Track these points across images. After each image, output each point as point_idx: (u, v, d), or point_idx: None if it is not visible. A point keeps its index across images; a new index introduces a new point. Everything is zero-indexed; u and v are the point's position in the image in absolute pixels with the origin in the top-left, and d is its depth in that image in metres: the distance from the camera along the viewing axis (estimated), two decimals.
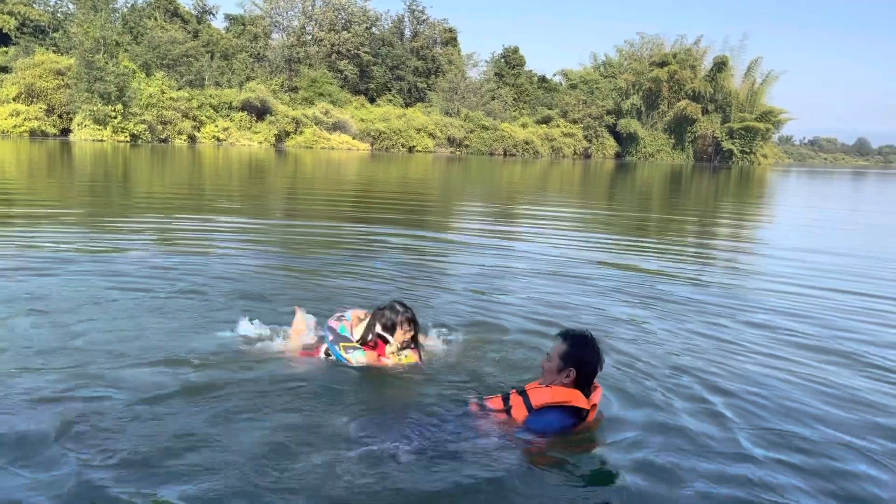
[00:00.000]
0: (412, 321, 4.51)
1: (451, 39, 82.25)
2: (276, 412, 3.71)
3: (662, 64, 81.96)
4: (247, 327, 4.95)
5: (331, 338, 4.55)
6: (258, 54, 69.21)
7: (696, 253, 11.01)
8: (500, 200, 20.14)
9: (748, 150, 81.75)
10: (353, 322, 4.60)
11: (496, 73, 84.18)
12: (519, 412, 3.70)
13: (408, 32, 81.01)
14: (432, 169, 38.47)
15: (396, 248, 9.55)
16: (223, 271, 7.13)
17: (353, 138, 62.12)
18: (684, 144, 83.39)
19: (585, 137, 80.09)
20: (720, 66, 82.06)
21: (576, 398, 3.65)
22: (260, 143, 56.02)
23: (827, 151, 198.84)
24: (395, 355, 4.47)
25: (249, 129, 56.95)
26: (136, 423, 3.50)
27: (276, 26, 73.92)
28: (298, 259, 8.28)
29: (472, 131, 70.56)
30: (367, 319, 4.58)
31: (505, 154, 70.66)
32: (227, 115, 56.52)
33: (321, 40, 71.52)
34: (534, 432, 3.60)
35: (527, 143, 73.16)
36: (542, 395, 3.69)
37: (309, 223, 12.15)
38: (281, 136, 57.93)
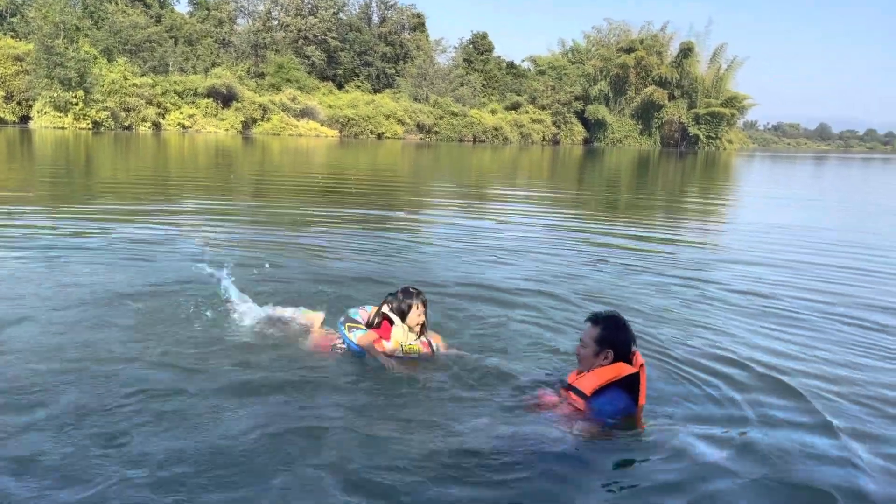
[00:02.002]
0: (425, 303, 4.47)
1: (419, 25, 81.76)
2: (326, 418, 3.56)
3: (629, 50, 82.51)
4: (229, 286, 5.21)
5: (342, 319, 4.65)
6: (223, 40, 68.06)
7: (669, 229, 11.23)
8: (473, 186, 20.20)
9: (714, 136, 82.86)
10: (372, 312, 4.61)
11: (465, 59, 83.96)
12: (577, 403, 3.76)
13: (375, 18, 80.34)
14: (402, 156, 38.37)
15: (369, 235, 9.56)
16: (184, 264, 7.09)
17: (322, 125, 61.57)
18: (651, 130, 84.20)
19: (554, 123, 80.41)
20: (686, 52, 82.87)
21: (621, 370, 3.74)
22: (226, 130, 55.26)
23: (790, 136, 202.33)
24: (399, 343, 4.37)
25: (215, 115, 56.12)
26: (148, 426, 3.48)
27: (241, 11, 72.77)
28: (277, 248, 8.25)
29: (441, 118, 70.39)
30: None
31: (474, 140, 70.67)
32: (193, 102, 55.59)
33: (288, 25, 70.58)
34: (603, 416, 3.65)
35: (496, 129, 73.24)
36: (590, 381, 3.75)
37: (280, 211, 12.09)
38: (248, 123, 57.19)
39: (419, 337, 4.46)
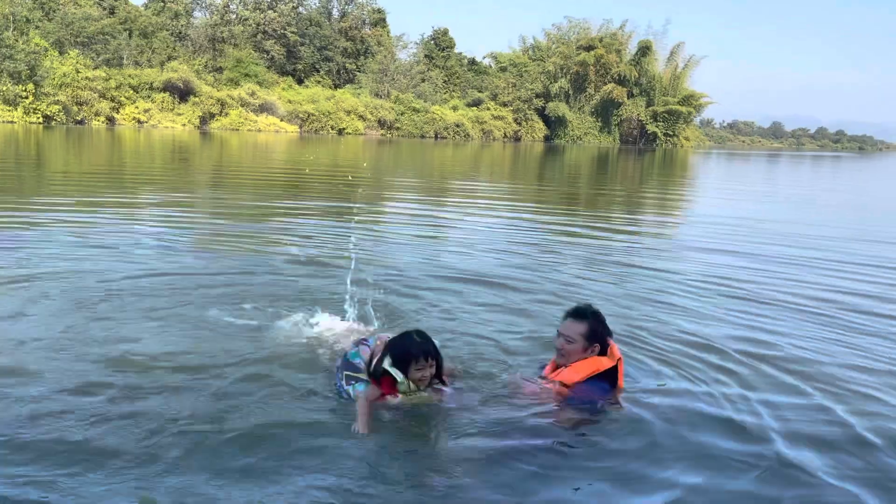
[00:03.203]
0: (430, 355, 3.60)
1: (379, 20, 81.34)
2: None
3: (589, 48, 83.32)
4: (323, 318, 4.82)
5: (338, 363, 3.91)
6: (180, 33, 66.73)
7: (631, 222, 11.39)
8: (439, 182, 20.17)
9: (671, 133, 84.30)
10: (376, 349, 3.77)
11: (426, 55, 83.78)
12: (561, 392, 3.80)
13: (336, 13, 79.68)
14: (363, 151, 38.14)
15: (339, 234, 9.47)
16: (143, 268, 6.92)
17: (281, 120, 60.84)
18: (611, 127, 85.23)
19: (515, 120, 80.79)
20: (644, 50, 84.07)
21: (601, 363, 3.81)
22: (183, 125, 54.26)
23: (745, 134, 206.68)
24: (406, 396, 3.64)
25: (172, 110, 55.05)
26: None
27: (198, 4, 71.39)
28: (234, 251, 8.11)
29: (402, 114, 70.16)
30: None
31: (436, 137, 70.61)
32: (148, 96, 54.46)
33: (246, 19, 69.52)
34: (585, 404, 3.74)
35: (458, 125, 73.28)
36: (572, 374, 3.80)
37: (238, 210, 11.89)
38: (205, 118, 56.22)
39: (430, 384, 3.70)
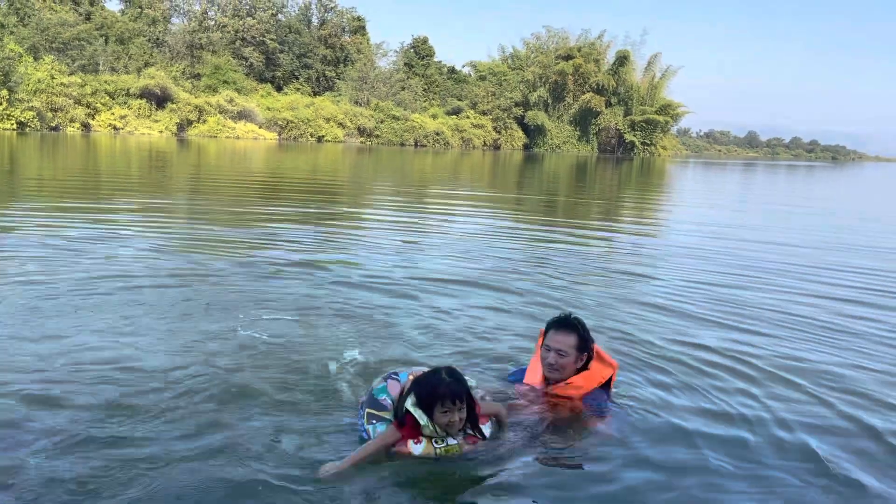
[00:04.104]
0: (458, 398, 3.13)
1: (359, 28, 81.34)
2: None
3: (568, 57, 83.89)
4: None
5: (363, 398, 3.51)
6: (157, 39, 66.22)
7: (611, 230, 11.45)
8: (420, 189, 20.13)
9: (649, 142, 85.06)
10: (406, 385, 3.33)
11: (406, 64, 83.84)
12: (566, 403, 3.78)
13: (315, 20, 79.54)
14: (343, 159, 38.00)
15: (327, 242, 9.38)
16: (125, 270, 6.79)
17: (260, 127, 60.51)
18: (589, 136, 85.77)
19: (495, 129, 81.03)
20: (622, 59, 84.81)
21: (606, 372, 3.82)
22: (160, 132, 53.72)
23: (721, 143, 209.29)
24: (430, 442, 3.17)
25: (149, 117, 54.53)
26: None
27: (175, 10, 70.99)
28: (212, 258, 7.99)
29: (382, 121, 70.11)
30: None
31: (416, 145, 70.60)
32: (125, 103, 53.89)
33: (224, 26, 69.18)
34: (594, 413, 3.74)
35: (437, 133, 73.36)
36: (581, 386, 3.77)
37: (222, 220, 11.75)
38: (183, 125, 55.74)
39: (461, 431, 3.25)
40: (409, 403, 3.15)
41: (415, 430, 3.17)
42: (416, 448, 3.15)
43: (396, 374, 3.53)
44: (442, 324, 5.30)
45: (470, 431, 3.24)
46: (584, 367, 3.84)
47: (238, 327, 4.88)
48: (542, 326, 4.00)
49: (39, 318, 4.90)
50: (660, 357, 4.75)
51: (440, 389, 3.10)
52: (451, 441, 3.18)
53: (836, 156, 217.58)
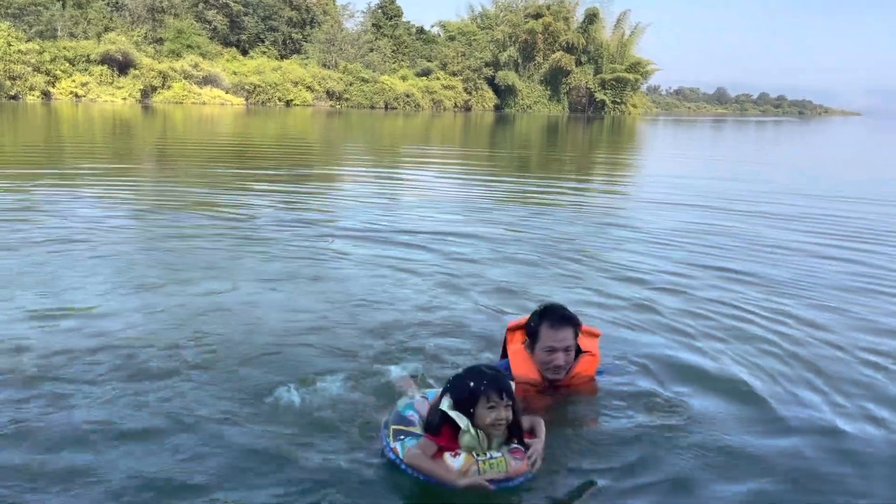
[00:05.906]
0: (504, 391, 2.76)
1: None
2: None
3: (537, 16, 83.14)
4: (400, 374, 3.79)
5: (387, 417, 3.11)
6: (116, 3, 64.17)
7: (583, 181, 11.62)
8: (393, 152, 20.08)
9: (619, 101, 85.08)
10: (435, 402, 2.91)
11: (373, 25, 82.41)
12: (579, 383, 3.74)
13: None
14: (312, 123, 37.59)
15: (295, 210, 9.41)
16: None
17: (227, 93, 59.33)
18: (560, 96, 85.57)
19: (465, 90, 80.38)
20: (591, 17, 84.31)
21: (595, 342, 3.77)
22: (124, 98, 52.48)
23: (690, 100, 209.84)
24: (471, 454, 2.73)
25: (111, 84, 53.17)
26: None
27: None
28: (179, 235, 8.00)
29: (351, 84, 69.17)
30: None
31: (386, 107, 69.91)
32: (86, 70, 52.44)
33: None
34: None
35: (407, 95, 72.63)
36: (587, 368, 3.71)
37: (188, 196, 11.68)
38: (147, 92, 54.45)
39: (506, 443, 2.84)
40: (446, 405, 2.78)
41: (452, 441, 2.76)
42: (455, 462, 2.70)
43: (424, 392, 3.27)
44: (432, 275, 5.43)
45: (515, 444, 2.82)
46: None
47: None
48: (507, 308, 4.10)
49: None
50: (635, 306, 5.15)
51: (484, 381, 2.74)
52: (495, 454, 2.75)
53: (803, 110, 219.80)
